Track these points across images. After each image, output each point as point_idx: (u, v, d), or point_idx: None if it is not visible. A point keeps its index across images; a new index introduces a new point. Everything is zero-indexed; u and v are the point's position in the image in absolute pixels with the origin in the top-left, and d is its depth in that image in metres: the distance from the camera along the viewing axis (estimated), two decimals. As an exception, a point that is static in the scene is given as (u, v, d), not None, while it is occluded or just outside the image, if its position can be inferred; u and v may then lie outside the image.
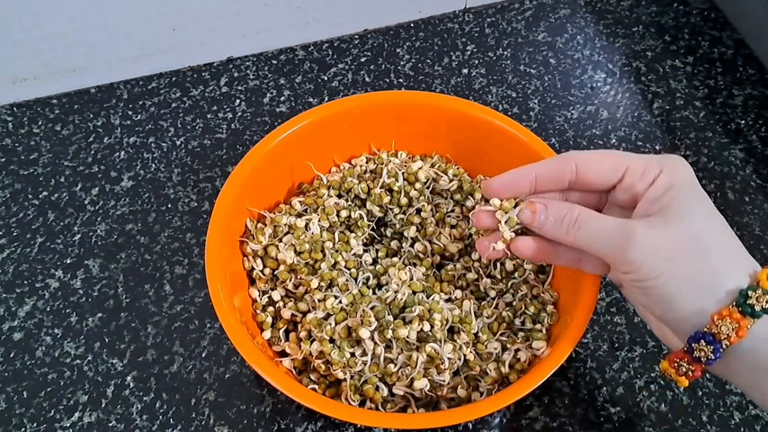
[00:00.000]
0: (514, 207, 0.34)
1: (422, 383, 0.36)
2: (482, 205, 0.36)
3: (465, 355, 0.38)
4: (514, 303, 0.40)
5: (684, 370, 0.31)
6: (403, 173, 0.43)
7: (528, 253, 0.34)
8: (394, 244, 0.43)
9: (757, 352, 0.29)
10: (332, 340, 0.37)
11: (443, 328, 0.37)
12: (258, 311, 0.40)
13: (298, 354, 0.38)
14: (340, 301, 0.38)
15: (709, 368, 0.31)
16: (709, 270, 0.30)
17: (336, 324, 0.37)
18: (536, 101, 0.56)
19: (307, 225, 0.42)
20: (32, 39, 0.52)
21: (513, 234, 0.35)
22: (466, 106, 0.44)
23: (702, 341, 0.30)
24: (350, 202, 0.43)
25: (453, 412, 0.34)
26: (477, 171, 0.45)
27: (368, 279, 0.40)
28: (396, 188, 0.43)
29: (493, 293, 0.41)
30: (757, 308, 0.28)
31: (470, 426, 0.41)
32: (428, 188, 0.43)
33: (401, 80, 0.57)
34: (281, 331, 0.40)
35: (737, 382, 0.32)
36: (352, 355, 0.37)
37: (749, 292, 0.29)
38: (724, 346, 0.29)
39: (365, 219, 0.43)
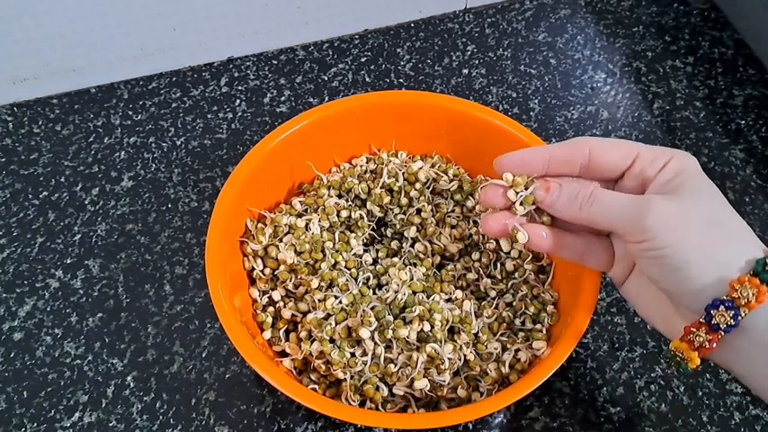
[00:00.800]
0: (526, 185, 0.34)
1: (422, 383, 0.36)
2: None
3: (465, 356, 0.38)
4: (514, 303, 0.40)
5: (701, 340, 0.31)
6: (403, 173, 0.43)
7: (537, 241, 0.34)
8: (394, 244, 0.43)
9: None
10: (332, 340, 0.37)
11: (443, 329, 0.37)
12: (258, 311, 0.40)
13: (298, 354, 0.38)
14: (340, 302, 0.38)
15: (717, 355, 0.31)
16: (724, 241, 0.30)
17: (336, 324, 0.37)
18: (536, 101, 0.56)
19: (307, 225, 0.42)
20: (32, 39, 0.52)
21: (524, 210, 0.34)
22: (466, 106, 0.44)
23: (722, 307, 0.29)
24: (350, 202, 0.43)
25: (453, 412, 0.34)
26: (477, 171, 0.45)
27: (368, 279, 0.40)
28: (396, 188, 0.43)
29: (493, 293, 0.41)
30: None
31: (470, 426, 0.41)
32: (428, 188, 0.43)
33: (401, 80, 0.57)
34: (282, 331, 0.40)
35: (743, 367, 0.31)
36: (353, 355, 0.37)
37: (767, 260, 0.29)
38: (743, 314, 0.29)
39: (365, 219, 0.43)
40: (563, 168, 0.34)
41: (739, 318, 0.29)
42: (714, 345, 0.31)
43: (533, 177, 0.34)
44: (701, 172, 0.33)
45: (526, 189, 0.34)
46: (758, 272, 0.29)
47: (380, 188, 0.43)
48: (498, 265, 0.41)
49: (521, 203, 0.34)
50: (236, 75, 0.58)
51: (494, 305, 0.40)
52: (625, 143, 0.34)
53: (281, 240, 0.41)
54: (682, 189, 0.31)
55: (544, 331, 0.39)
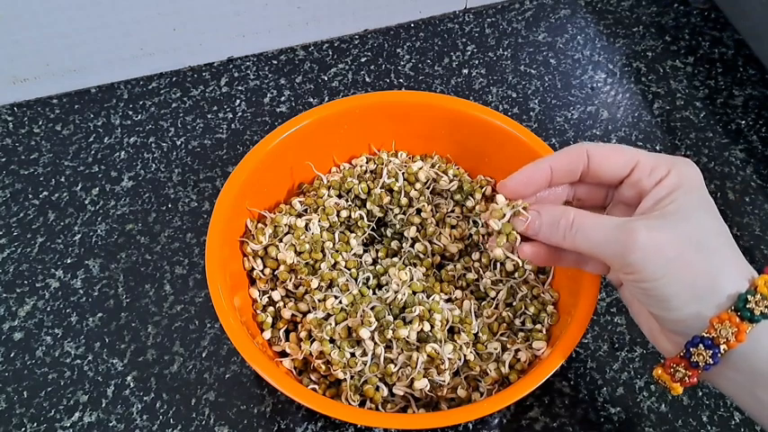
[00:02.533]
0: (510, 210, 0.33)
1: (422, 384, 0.36)
2: (482, 205, 0.36)
3: (465, 356, 0.38)
4: (514, 303, 0.40)
5: (681, 375, 0.31)
6: (403, 173, 0.43)
7: (531, 257, 0.34)
8: (394, 244, 0.43)
9: (754, 357, 0.29)
10: (332, 340, 0.37)
11: (443, 329, 0.37)
12: (258, 311, 0.40)
13: (298, 354, 0.38)
14: (340, 302, 0.38)
15: (704, 375, 0.31)
16: (708, 273, 0.30)
17: (336, 324, 0.37)
18: (536, 101, 0.56)
19: (307, 225, 0.42)
20: (32, 39, 0.52)
21: (504, 242, 0.34)
22: (466, 106, 0.44)
23: (701, 345, 0.29)
24: (350, 203, 0.43)
25: (453, 412, 0.34)
26: (477, 171, 0.45)
27: (368, 279, 0.40)
28: (396, 188, 0.43)
29: (493, 293, 0.41)
30: (756, 312, 0.28)
31: (470, 426, 0.41)
32: (428, 188, 0.43)
33: (401, 80, 0.57)
34: (282, 331, 0.40)
35: (730, 389, 0.32)
36: (353, 355, 0.37)
37: (748, 297, 0.28)
38: (722, 351, 0.29)
39: (365, 219, 0.43)
40: (565, 178, 0.34)
41: (718, 356, 0.29)
42: (695, 379, 0.31)
43: (515, 203, 0.33)
44: (700, 185, 0.32)
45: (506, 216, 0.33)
46: (739, 308, 0.29)
47: (380, 188, 0.43)
48: (498, 264, 0.41)
49: (501, 231, 0.33)
50: (236, 75, 0.58)
51: (494, 305, 0.40)
52: (625, 149, 0.33)
53: (280, 240, 0.41)
54: (672, 211, 0.30)
55: (544, 331, 0.39)
